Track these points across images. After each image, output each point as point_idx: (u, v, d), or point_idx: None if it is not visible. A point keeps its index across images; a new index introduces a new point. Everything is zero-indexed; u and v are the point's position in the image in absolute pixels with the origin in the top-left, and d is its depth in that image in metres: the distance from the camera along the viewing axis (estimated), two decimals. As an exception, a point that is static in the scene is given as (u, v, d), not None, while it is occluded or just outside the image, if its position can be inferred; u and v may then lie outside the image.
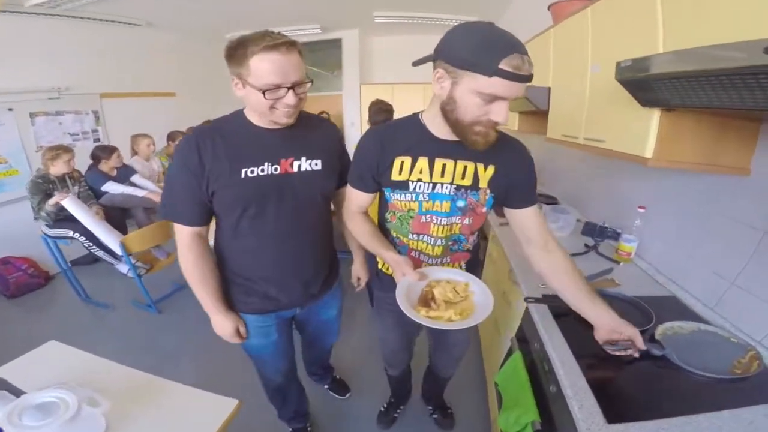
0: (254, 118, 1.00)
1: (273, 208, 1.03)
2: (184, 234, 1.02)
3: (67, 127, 3.55)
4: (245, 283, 1.13)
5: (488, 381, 1.84)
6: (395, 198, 1.02)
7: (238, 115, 1.03)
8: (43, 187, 2.54)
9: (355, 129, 5.70)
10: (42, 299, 3.01)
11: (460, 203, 0.99)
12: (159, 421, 0.91)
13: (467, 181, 0.96)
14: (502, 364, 1.48)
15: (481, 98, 0.80)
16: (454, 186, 0.97)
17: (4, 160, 3.06)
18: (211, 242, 1.14)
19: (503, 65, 0.74)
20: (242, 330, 1.17)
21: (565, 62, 1.64)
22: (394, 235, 1.11)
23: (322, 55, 5.65)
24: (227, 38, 0.90)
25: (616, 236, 1.56)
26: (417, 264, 1.08)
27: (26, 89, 3.14)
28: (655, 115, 1.01)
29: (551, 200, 2.37)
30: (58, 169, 2.60)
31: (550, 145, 1.89)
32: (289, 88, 0.89)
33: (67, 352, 1.15)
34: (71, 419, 0.81)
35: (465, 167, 0.96)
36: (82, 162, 3.00)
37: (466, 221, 1.03)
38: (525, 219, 1.04)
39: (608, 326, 0.93)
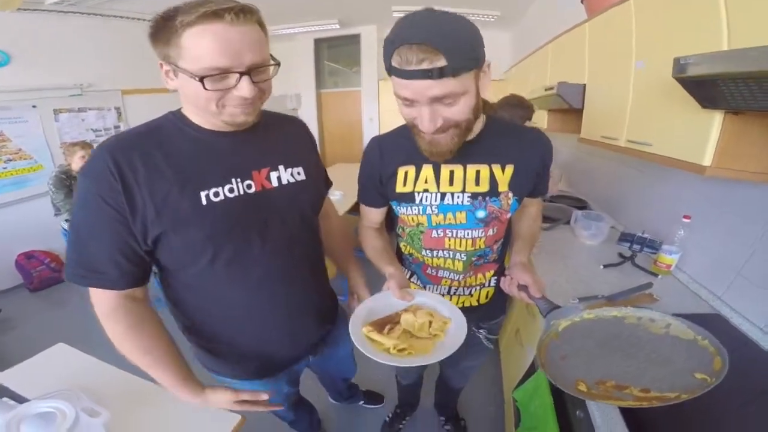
0: (198, 119, 0.71)
1: (258, 241, 0.75)
2: (103, 300, 0.69)
3: (90, 123, 3.62)
4: (231, 350, 0.86)
5: (505, 393, 1.75)
6: (402, 212, 0.91)
7: (175, 117, 0.72)
8: (66, 183, 2.57)
9: (373, 124, 5.68)
10: (63, 293, 3.08)
11: (480, 214, 0.85)
12: (161, 436, 0.89)
13: (483, 187, 0.84)
14: (523, 379, 1.39)
15: (400, 101, 0.71)
16: (468, 195, 0.84)
17: (29, 156, 3.14)
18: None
19: (393, 61, 0.64)
20: (244, 396, 0.85)
21: (603, 58, 1.53)
22: (407, 252, 1.01)
23: (341, 52, 5.65)
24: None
25: (656, 247, 1.43)
26: (436, 282, 0.99)
27: (49, 86, 3.20)
28: (716, 119, 0.88)
29: (581, 204, 2.22)
30: (76, 164, 2.61)
31: (581, 145, 1.77)
32: (242, 74, 0.62)
33: (74, 356, 1.14)
34: (69, 430, 0.78)
35: (478, 172, 0.83)
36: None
37: (490, 232, 0.89)
38: (527, 201, 0.95)
39: (516, 269, 0.87)
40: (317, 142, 1.00)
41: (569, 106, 1.79)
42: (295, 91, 5.71)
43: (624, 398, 0.59)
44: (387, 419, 1.72)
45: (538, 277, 0.83)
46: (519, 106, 1.81)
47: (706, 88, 0.78)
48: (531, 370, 1.33)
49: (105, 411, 0.86)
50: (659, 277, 1.37)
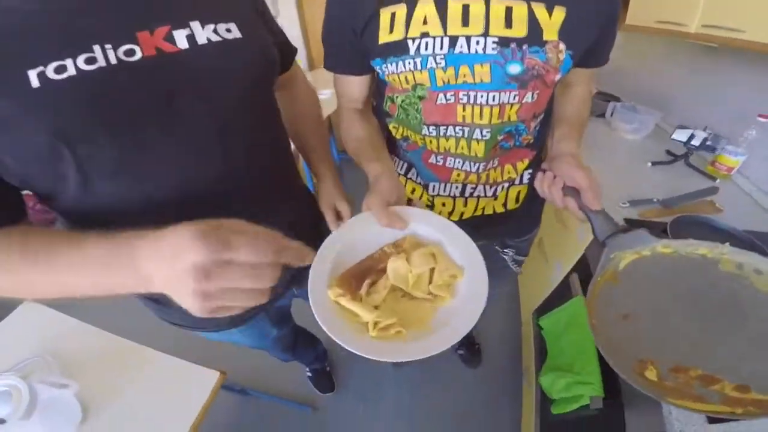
0: None
1: (159, 135, 0.47)
2: None
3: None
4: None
5: (523, 314, 1.66)
6: (390, 72, 0.59)
7: None
8: None
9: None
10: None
11: (514, 68, 0.55)
12: (140, 400, 0.82)
13: (519, 31, 0.53)
14: (549, 302, 1.25)
15: None
16: (494, 39, 0.54)
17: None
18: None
19: None
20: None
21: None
22: (401, 136, 0.72)
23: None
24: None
25: (713, 148, 1.24)
26: (444, 177, 0.71)
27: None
28: None
29: (613, 98, 1.88)
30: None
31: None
32: None
33: (43, 316, 1.03)
34: (29, 411, 0.70)
35: (509, 9, 0.53)
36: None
37: (528, 98, 0.59)
38: (575, 78, 0.70)
39: (562, 162, 0.60)
40: (301, 45, 0.66)
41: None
42: (270, -7, 4.97)
43: (709, 398, 0.39)
44: None
45: (596, 179, 0.55)
46: None
47: None
48: (561, 293, 1.19)
49: (74, 382, 0.78)
50: (717, 180, 1.17)
